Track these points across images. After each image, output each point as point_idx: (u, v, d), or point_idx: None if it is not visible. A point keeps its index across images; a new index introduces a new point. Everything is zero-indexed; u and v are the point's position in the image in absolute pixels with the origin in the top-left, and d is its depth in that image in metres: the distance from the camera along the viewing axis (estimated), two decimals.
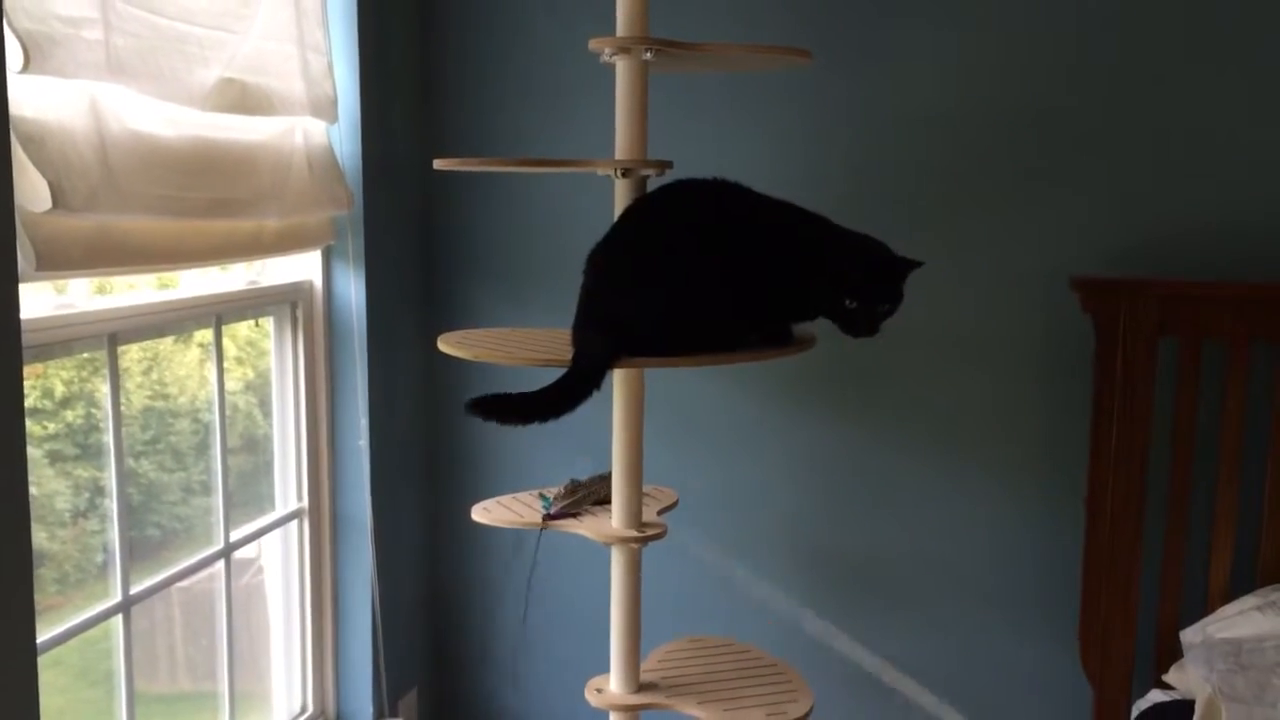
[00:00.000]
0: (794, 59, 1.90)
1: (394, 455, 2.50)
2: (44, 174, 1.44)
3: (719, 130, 2.47)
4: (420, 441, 2.67)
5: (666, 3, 2.07)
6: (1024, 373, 2.44)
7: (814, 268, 1.75)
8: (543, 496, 2.07)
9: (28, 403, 1.41)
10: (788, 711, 1.88)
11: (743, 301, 1.74)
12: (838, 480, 2.54)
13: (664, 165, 1.86)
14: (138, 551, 1.93)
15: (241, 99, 1.90)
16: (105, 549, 1.85)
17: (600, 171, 1.88)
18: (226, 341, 2.15)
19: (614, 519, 1.95)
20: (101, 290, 1.82)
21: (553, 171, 2.52)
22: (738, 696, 1.93)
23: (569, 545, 2.40)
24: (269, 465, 2.34)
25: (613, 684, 1.97)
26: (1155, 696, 2.22)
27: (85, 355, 1.79)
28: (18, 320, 1.35)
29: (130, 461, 1.93)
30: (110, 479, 1.83)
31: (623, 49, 1.80)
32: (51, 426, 1.79)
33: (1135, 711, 2.22)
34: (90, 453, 1.82)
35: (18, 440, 1.36)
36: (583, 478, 2.11)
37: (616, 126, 1.84)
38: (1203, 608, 2.23)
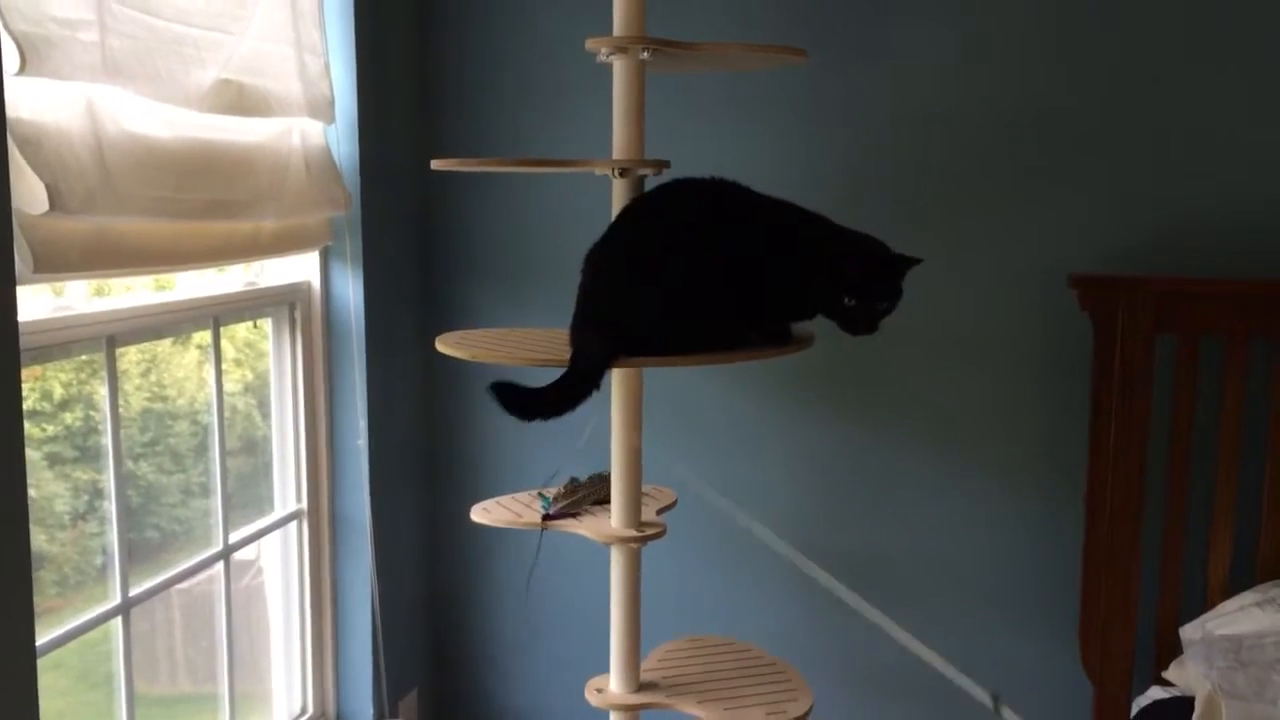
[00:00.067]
0: (790, 58, 1.90)
1: (393, 456, 2.50)
2: (41, 176, 1.44)
3: (717, 130, 2.47)
4: (419, 442, 2.67)
5: (664, 2, 2.07)
6: (1023, 371, 2.44)
7: (812, 266, 1.75)
8: (542, 496, 2.07)
9: (26, 405, 1.41)
10: (787, 710, 1.88)
11: (741, 300, 1.74)
12: (837, 479, 2.54)
13: (662, 165, 1.86)
14: (137, 553, 1.93)
15: (238, 100, 1.90)
16: (104, 551, 1.85)
17: (598, 171, 1.88)
18: (225, 343, 2.15)
19: (613, 519, 1.95)
20: (99, 292, 1.82)
21: (550, 171, 2.52)
22: (738, 696, 1.93)
23: (569, 545, 2.39)
24: (268, 467, 2.33)
25: (613, 684, 1.97)
26: (1155, 693, 2.23)
27: (83, 357, 1.79)
28: (15, 323, 1.35)
29: (129, 463, 1.93)
30: (109, 481, 1.82)
31: (620, 48, 1.80)
32: (50, 429, 1.79)
33: (1135, 708, 2.22)
34: (89, 455, 1.82)
35: (16, 442, 1.36)
36: (582, 478, 2.12)
37: (614, 126, 1.84)
38: (1202, 604, 2.23)
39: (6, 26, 1.39)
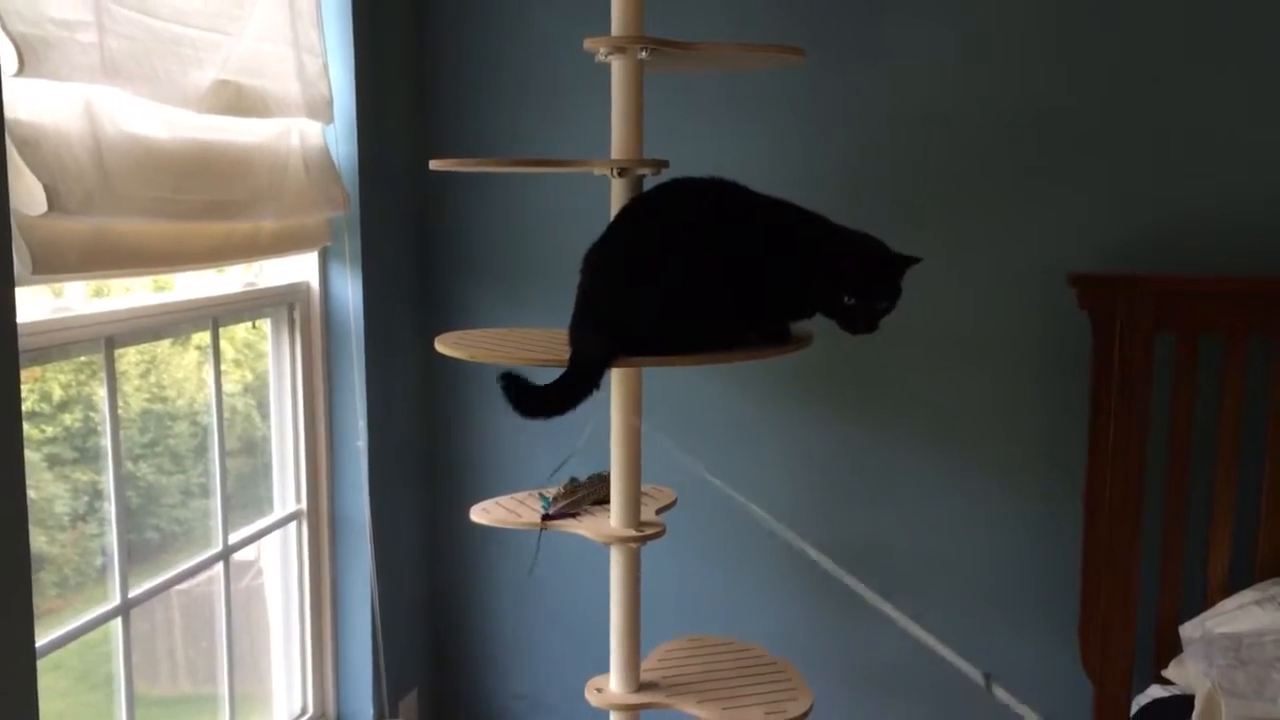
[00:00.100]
0: (788, 58, 1.90)
1: (392, 456, 2.50)
2: (39, 177, 1.44)
3: (715, 129, 2.47)
4: (418, 442, 2.67)
5: (662, 2, 2.07)
6: (1022, 370, 2.44)
7: (811, 266, 1.75)
8: (542, 497, 2.07)
9: (26, 406, 1.41)
10: (787, 710, 1.88)
11: (740, 300, 1.74)
12: (836, 478, 2.54)
13: (660, 164, 1.86)
14: (137, 554, 1.93)
15: (237, 101, 1.90)
16: (104, 552, 1.85)
17: (596, 171, 1.88)
18: (224, 344, 2.15)
19: (613, 518, 1.95)
20: (98, 293, 1.82)
21: (549, 171, 2.52)
22: (737, 695, 1.93)
23: (568, 545, 2.39)
24: (267, 467, 2.33)
25: (613, 683, 1.97)
26: (1155, 692, 2.23)
27: (83, 358, 1.79)
28: (14, 324, 1.35)
29: (129, 464, 1.93)
30: (109, 482, 1.82)
31: (618, 48, 1.80)
32: (50, 430, 1.79)
33: (1135, 707, 2.22)
34: (88, 456, 1.82)
35: (15, 444, 1.36)
36: (582, 478, 2.11)
37: (612, 126, 1.84)
38: (1202, 603, 2.23)
39: (4, 28, 1.38)
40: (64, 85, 1.51)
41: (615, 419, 1.90)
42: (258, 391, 2.31)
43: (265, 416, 2.33)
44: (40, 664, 1.47)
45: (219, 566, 2.13)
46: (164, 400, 2.06)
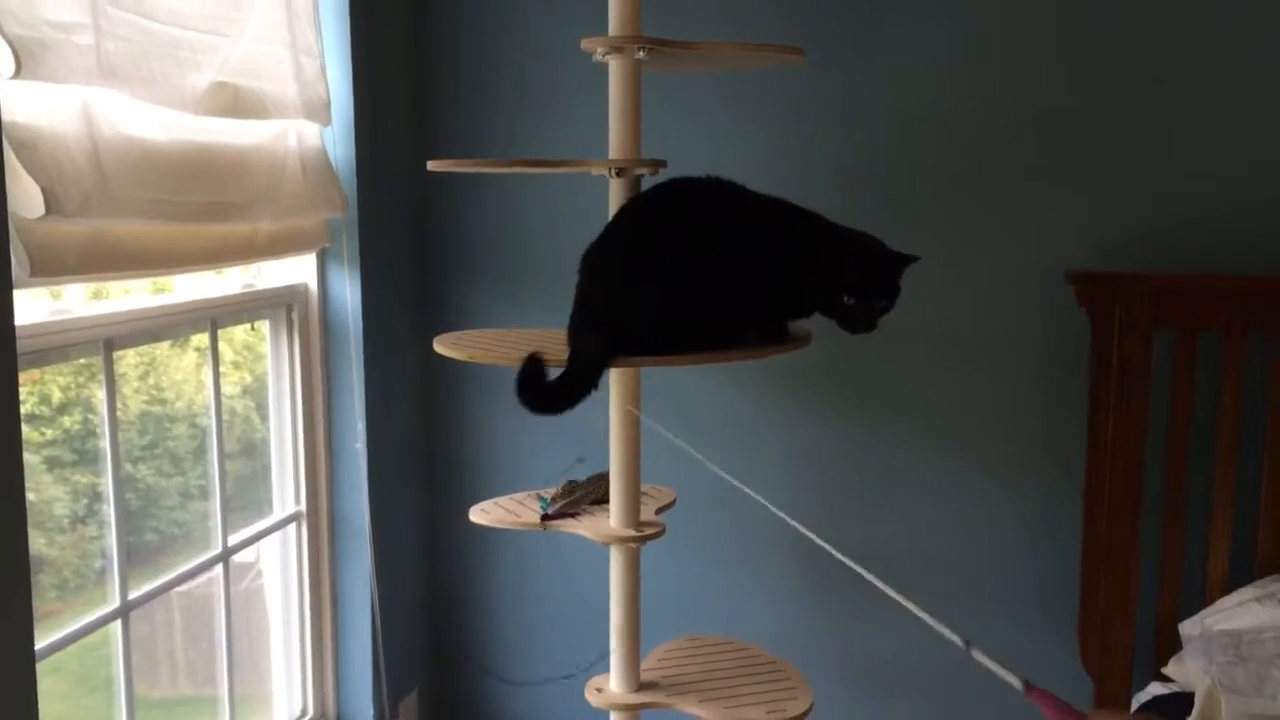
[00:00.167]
0: (787, 57, 1.90)
1: (391, 457, 2.50)
2: (37, 180, 1.44)
3: (713, 129, 2.47)
4: (418, 443, 2.67)
5: (659, 2, 2.07)
6: (1021, 368, 2.44)
7: (810, 265, 1.75)
8: (540, 498, 2.07)
9: (25, 409, 1.41)
10: (787, 709, 1.88)
11: (739, 300, 1.74)
12: (836, 477, 2.54)
13: (658, 164, 1.86)
14: (136, 556, 1.93)
15: (234, 102, 1.90)
16: (104, 554, 1.85)
17: (594, 171, 1.88)
18: (223, 345, 2.15)
19: (612, 518, 1.95)
20: (97, 295, 1.82)
21: (547, 172, 2.52)
22: (737, 695, 1.93)
23: (568, 545, 2.40)
24: (266, 469, 2.33)
25: (613, 683, 1.98)
26: (1155, 689, 2.23)
27: (81, 361, 1.79)
28: (13, 327, 1.35)
29: (128, 467, 1.93)
30: (108, 484, 1.82)
31: (616, 48, 1.80)
32: (49, 432, 1.79)
33: (1135, 704, 2.22)
34: (88, 458, 1.82)
35: (14, 446, 1.36)
36: (580, 478, 2.12)
37: (610, 126, 1.84)
38: (1201, 600, 2.23)
39: (1, 30, 1.38)
40: (61, 87, 1.51)
41: (614, 418, 1.90)
42: (256, 393, 2.31)
43: (264, 418, 2.33)
44: (40, 667, 1.47)
45: (219, 568, 2.13)
46: (163, 402, 2.05)
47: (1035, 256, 2.39)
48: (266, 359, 2.31)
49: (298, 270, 2.33)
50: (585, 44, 1.82)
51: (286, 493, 2.36)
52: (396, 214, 2.52)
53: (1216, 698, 1.98)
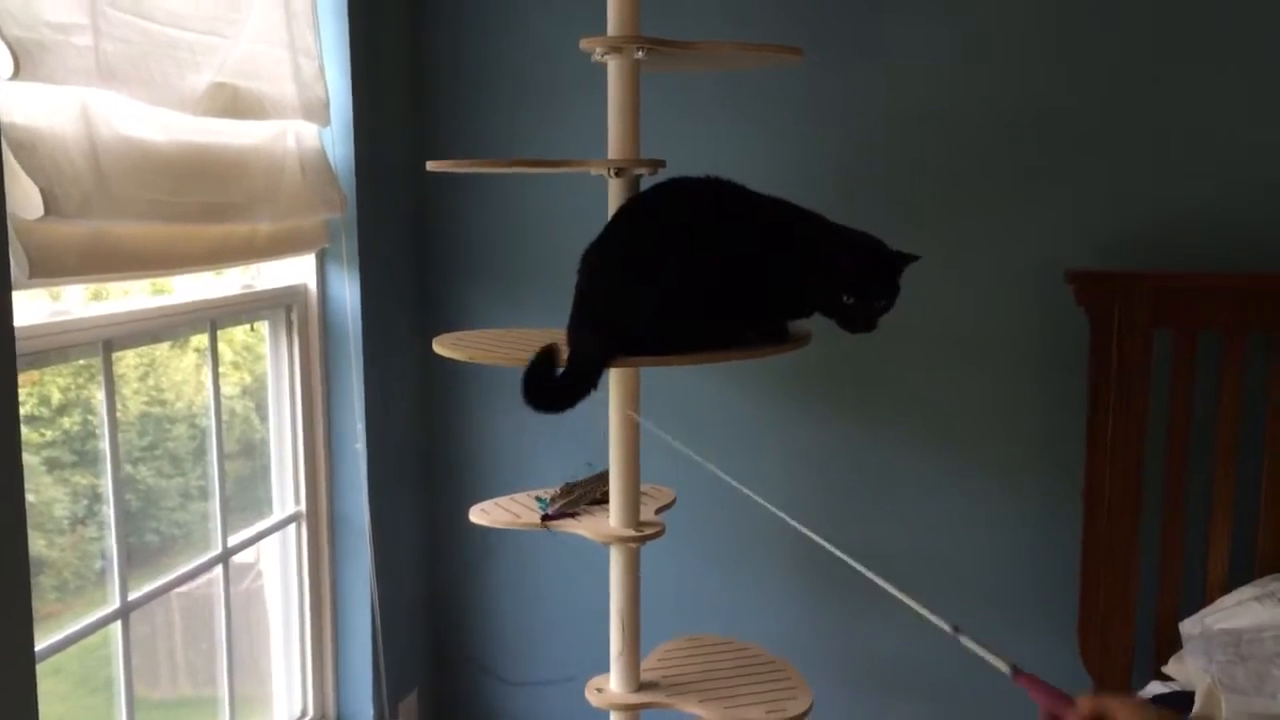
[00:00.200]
0: (786, 57, 1.90)
1: (391, 458, 2.50)
2: (36, 181, 1.44)
3: (712, 129, 2.47)
4: (417, 443, 2.67)
5: (658, 2, 2.07)
6: (1021, 368, 2.44)
7: (809, 265, 1.75)
8: (539, 500, 2.07)
9: (25, 410, 1.41)
10: (787, 709, 1.88)
11: (738, 299, 1.74)
12: (835, 477, 2.54)
13: (657, 164, 1.86)
14: (136, 557, 1.93)
15: (233, 103, 1.90)
16: (104, 555, 1.85)
17: (593, 171, 1.88)
18: (222, 346, 2.15)
19: (612, 518, 1.95)
20: (96, 296, 1.82)
21: (546, 172, 2.52)
22: (738, 694, 1.93)
23: (568, 545, 2.40)
24: (266, 469, 2.33)
25: (613, 683, 1.98)
26: (1155, 688, 2.23)
27: (81, 362, 1.79)
28: (12, 328, 1.35)
29: (128, 468, 1.93)
30: (108, 485, 1.82)
31: (615, 48, 1.80)
32: (49, 434, 1.79)
33: None
34: (88, 459, 1.82)
35: (14, 448, 1.36)
36: (578, 478, 2.12)
37: (609, 126, 1.84)
38: (1201, 599, 2.23)
39: (0, 32, 1.38)
40: (60, 89, 1.51)
41: (614, 418, 1.90)
42: (256, 394, 2.31)
43: (264, 419, 2.33)
44: (40, 668, 1.47)
45: (218, 569, 2.13)
46: (163, 403, 2.05)
47: (1034, 256, 2.39)
48: (266, 360, 2.31)
49: (297, 271, 2.33)
50: (584, 44, 1.82)
51: (286, 493, 2.36)
52: (396, 214, 2.52)
53: (1216, 696, 1.98)
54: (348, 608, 2.43)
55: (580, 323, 1.77)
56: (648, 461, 1.95)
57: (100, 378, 1.80)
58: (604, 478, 2.02)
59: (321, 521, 2.40)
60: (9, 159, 1.41)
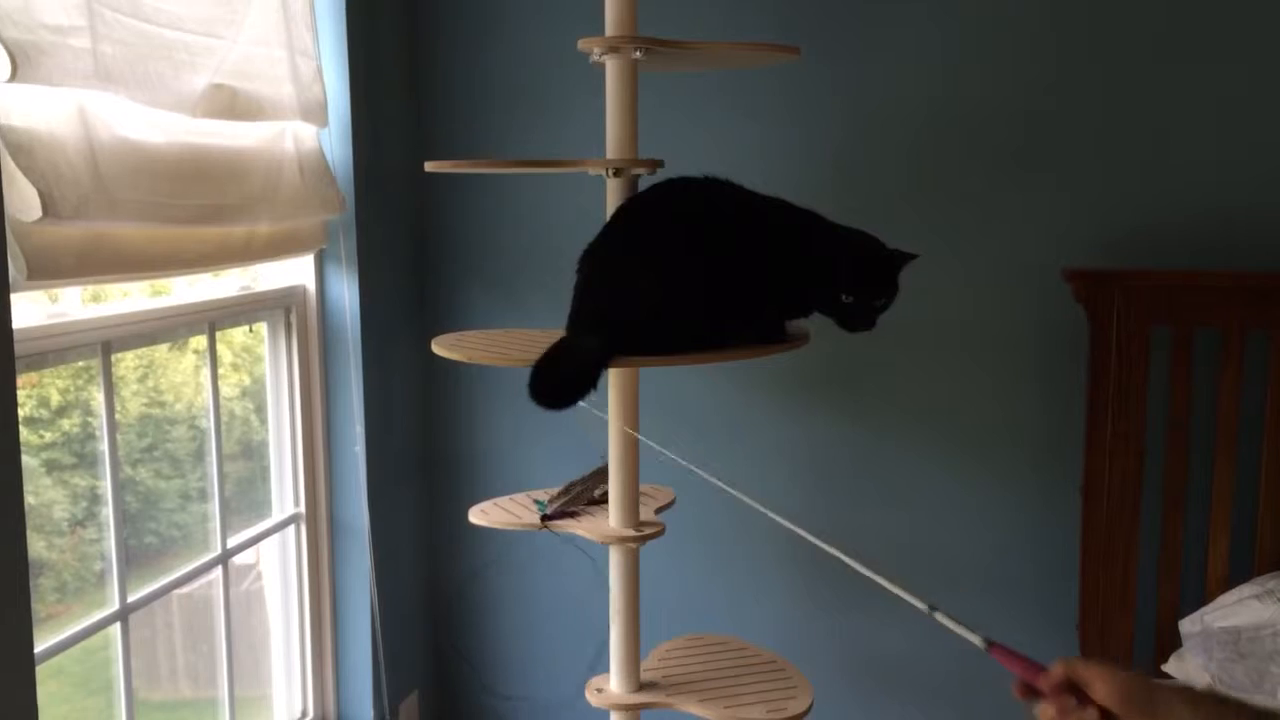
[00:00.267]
0: (783, 56, 1.90)
1: (390, 458, 2.50)
2: (33, 183, 1.44)
3: (710, 128, 2.47)
4: (417, 444, 2.67)
5: (655, 2, 2.07)
6: (1021, 366, 2.44)
7: (808, 264, 1.75)
8: (537, 502, 2.07)
9: (24, 412, 1.41)
10: (788, 708, 1.88)
11: (737, 299, 1.74)
12: (835, 475, 2.54)
13: (655, 164, 1.86)
14: (136, 559, 1.93)
15: (231, 104, 1.90)
16: (103, 557, 1.85)
17: (591, 171, 1.88)
18: (221, 348, 2.15)
19: (612, 518, 1.95)
20: (95, 298, 1.82)
21: (544, 172, 2.52)
22: (738, 693, 1.93)
23: (568, 545, 2.40)
24: (266, 471, 2.33)
25: (613, 683, 1.98)
26: None
27: (80, 364, 1.79)
28: (10, 330, 1.35)
29: (127, 469, 1.93)
30: (107, 487, 1.82)
31: (612, 48, 1.80)
32: (48, 435, 1.79)
33: None
34: (87, 461, 1.82)
35: (13, 450, 1.36)
36: (575, 476, 2.12)
37: (607, 126, 1.84)
38: (1201, 597, 2.23)
39: None
40: (58, 90, 1.51)
41: (612, 419, 1.91)
42: (255, 395, 2.31)
43: (263, 420, 2.33)
44: (40, 670, 1.47)
45: (218, 570, 2.13)
46: (162, 405, 2.05)
47: (1033, 254, 2.39)
48: (265, 361, 2.31)
49: (296, 272, 2.33)
50: (582, 44, 1.82)
51: (286, 494, 2.36)
52: (394, 215, 2.52)
53: None
54: (347, 609, 2.43)
55: (579, 323, 1.77)
56: (647, 461, 1.95)
57: (99, 379, 1.80)
58: (603, 474, 2.02)
59: (321, 522, 2.40)
60: (7, 161, 1.41)
